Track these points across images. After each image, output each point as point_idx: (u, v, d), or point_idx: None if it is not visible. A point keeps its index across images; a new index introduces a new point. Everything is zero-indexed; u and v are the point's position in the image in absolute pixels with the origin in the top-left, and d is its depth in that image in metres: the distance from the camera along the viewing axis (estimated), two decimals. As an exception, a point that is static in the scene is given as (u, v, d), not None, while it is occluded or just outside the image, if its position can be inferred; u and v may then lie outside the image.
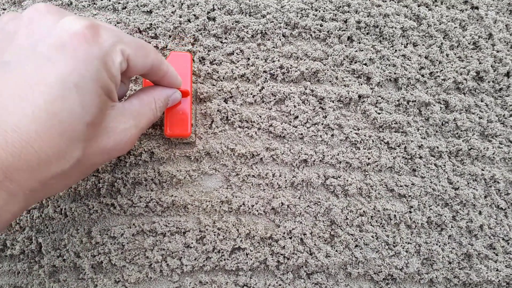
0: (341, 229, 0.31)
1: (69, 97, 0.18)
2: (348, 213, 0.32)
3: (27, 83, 0.18)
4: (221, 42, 0.35)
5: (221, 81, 0.34)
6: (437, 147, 0.34)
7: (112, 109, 0.21)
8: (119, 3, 0.35)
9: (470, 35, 0.37)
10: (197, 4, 0.36)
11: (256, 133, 0.33)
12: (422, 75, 0.36)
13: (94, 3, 0.35)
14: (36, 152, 0.17)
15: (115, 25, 0.34)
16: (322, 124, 0.33)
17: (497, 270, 0.32)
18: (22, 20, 0.20)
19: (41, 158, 0.17)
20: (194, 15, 0.35)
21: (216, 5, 0.36)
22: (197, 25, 0.35)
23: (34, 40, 0.19)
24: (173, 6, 0.36)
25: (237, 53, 0.35)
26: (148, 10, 0.35)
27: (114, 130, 0.21)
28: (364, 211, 0.32)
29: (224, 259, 0.30)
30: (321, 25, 0.36)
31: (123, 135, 0.22)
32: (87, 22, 0.19)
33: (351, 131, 0.33)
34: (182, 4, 0.35)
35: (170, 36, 0.35)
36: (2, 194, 0.17)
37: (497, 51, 0.36)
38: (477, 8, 0.38)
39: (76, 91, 0.18)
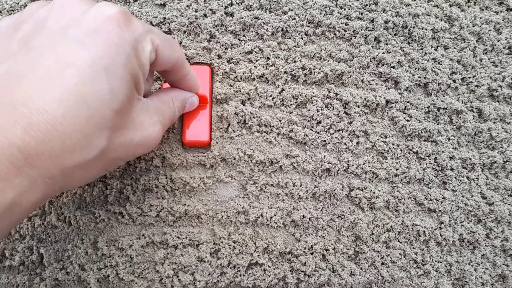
0: (367, 245, 0.30)
1: (99, 81, 0.18)
2: (374, 228, 0.30)
3: (57, 66, 0.17)
4: (239, 39, 0.34)
5: (239, 81, 0.32)
6: (470, 159, 0.32)
7: (138, 102, 0.21)
8: (131, -6, 0.33)
9: (506, 39, 0.35)
10: (214, -2, 0.34)
11: (275, 138, 0.31)
12: (454, 81, 0.34)
13: (104, -6, 0.33)
14: (61, 137, 0.17)
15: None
16: (347, 130, 0.32)
17: (532, 292, 0.31)
18: (53, 6, 0.20)
19: (65, 144, 0.17)
20: (211, 9, 0.34)
21: (234, -1, 0.34)
22: (214, 20, 0.33)
23: (65, 24, 0.19)
24: (188, -1, 0.34)
25: (256, 52, 0.33)
26: (162, 3, 0.34)
27: (142, 124, 0.21)
28: (391, 226, 0.30)
29: (240, 275, 0.29)
30: (346, 24, 0.35)
31: (150, 130, 0.22)
32: (121, 8, 0.20)
33: (378, 139, 0.32)
34: (198, -3, 0.34)
35: (184, 32, 0.33)
36: (23, 180, 0.16)
37: (534, 57, 0.35)
38: (512, 10, 0.36)
39: (106, 75, 0.18)
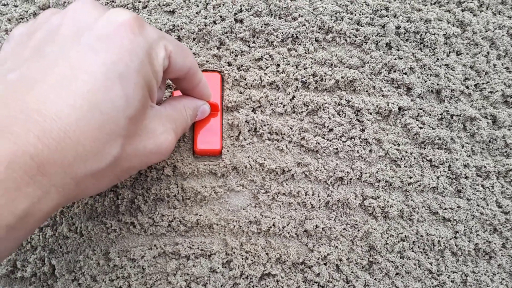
0: (381, 255, 0.30)
1: (113, 88, 0.18)
2: (388, 237, 0.30)
3: (70, 72, 0.17)
4: (249, 46, 0.33)
5: (249, 89, 0.32)
6: (484, 167, 0.32)
7: (151, 109, 0.21)
8: (139, 1, 0.33)
9: (519, 44, 0.35)
10: (223, 5, 0.34)
11: (286, 146, 0.31)
12: (467, 87, 0.34)
13: (113, 1, 0.33)
14: (74, 144, 0.17)
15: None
16: (359, 138, 0.31)
17: (549, 302, 0.30)
18: (66, 13, 0.20)
19: (78, 152, 0.17)
20: (220, 16, 0.34)
21: (243, 6, 0.34)
22: (224, 27, 0.33)
23: (78, 31, 0.19)
24: (198, 6, 0.34)
25: (266, 59, 0.33)
26: (171, 10, 0.33)
27: (155, 131, 0.21)
28: (405, 235, 0.30)
29: (253, 286, 0.28)
30: (357, 30, 0.34)
31: (163, 138, 0.22)
32: (134, 14, 0.20)
33: (391, 147, 0.32)
34: (207, 4, 0.34)
35: (194, 39, 0.33)
36: (35, 190, 0.16)
37: (549, 62, 0.35)
38: (526, 14, 0.36)
39: (120, 81, 0.18)
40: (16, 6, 0.33)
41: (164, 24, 0.33)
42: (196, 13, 0.34)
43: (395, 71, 0.34)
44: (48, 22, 0.20)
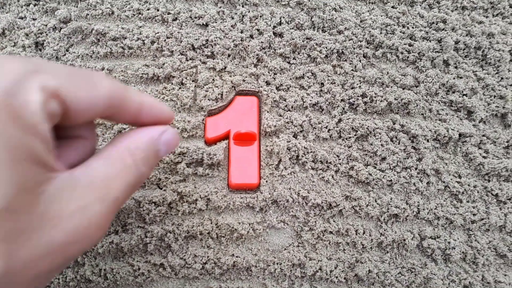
0: (443, 306, 0.26)
1: None
2: (449, 283, 0.27)
3: None
4: (289, 63, 0.30)
5: (289, 111, 0.29)
6: (560, 203, 0.28)
7: (50, 183, 0.15)
8: (169, 13, 0.31)
9: None
10: (261, 17, 0.31)
11: (333, 177, 0.28)
12: (536, 110, 0.30)
13: (140, 13, 0.31)
14: None
15: (164, 40, 0.29)
16: (416, 168, 0.28)
17: None
18: None
19: None
20: (258, 30, 0.31)
21: (283, 18, 0.31)
22: (261, 42, 0.30)
23: None
24: (233, 18, 0.31)
25: (308, 77, 0.30)
26: (204, 23, 0.31)
27: (60, 214, 0.15)
28: (469, 282, 0.27)
29: None
30: (410, 45, 0.31)
31: (80, 218, 0.15)
32: None
33: (451, 179, 0.28)
34: (243, 16, 0.31)
35: (229, 55, 0.30)
36: None
37: None
38: None
39: None
40: (34, 19, 0.30)
41: (196, 39, 0.30)
42: (231, 26, 0.31)
43: (454, 92, 0.30)
44: None
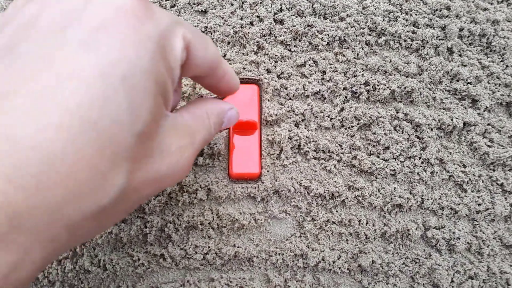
0: (448, 296, 0.26)
1: (113, 97, 0.13)
2: (454, 274, 0.26)
3: (53, 80, 0.13)
4: (290, 50, 0.30)
5: (291, 99, 0.29)
6: None
7: (165, 120, 0.16)
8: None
9: None
10: (261, 3, 0.30)
11: (335, 166, 0.27)
12: (542, 98, 0.30)
13: None
14: (62, 180, 0.12)
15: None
16: (420, 158, 0.28)
17: None
18: (46, 0, 0.15)
19: (69, 190, 0.12)
20: (258, 16, 0.30)
21: (284, 4, 0.30)
22: (262, 29, 0.30)
23: (63, 23, 0.14)
24: (232, 5, 0.30)
25: (309, 65, 0.29)
26: (203, 10, 0.30)
27: (168, 149, 0.16)
28: (474, 272, 0.26)
29: (300, 331, 0.25)
30: (413, 32, 0.30)
31: (178, 156, 0.17)
32: None
33: (455, 168, 0.28)
34: (243, 2, 0.30)
35: (229, 43, 0.29)
36: (7, 254, 0.12)
37: None
38: None
39: (123, 88, 0.13)
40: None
41: (195, 26, 0.29)
42: (231, 13, 0.30)
43: (458, 80, 0.30)
44: (21, 13, 0.15)
